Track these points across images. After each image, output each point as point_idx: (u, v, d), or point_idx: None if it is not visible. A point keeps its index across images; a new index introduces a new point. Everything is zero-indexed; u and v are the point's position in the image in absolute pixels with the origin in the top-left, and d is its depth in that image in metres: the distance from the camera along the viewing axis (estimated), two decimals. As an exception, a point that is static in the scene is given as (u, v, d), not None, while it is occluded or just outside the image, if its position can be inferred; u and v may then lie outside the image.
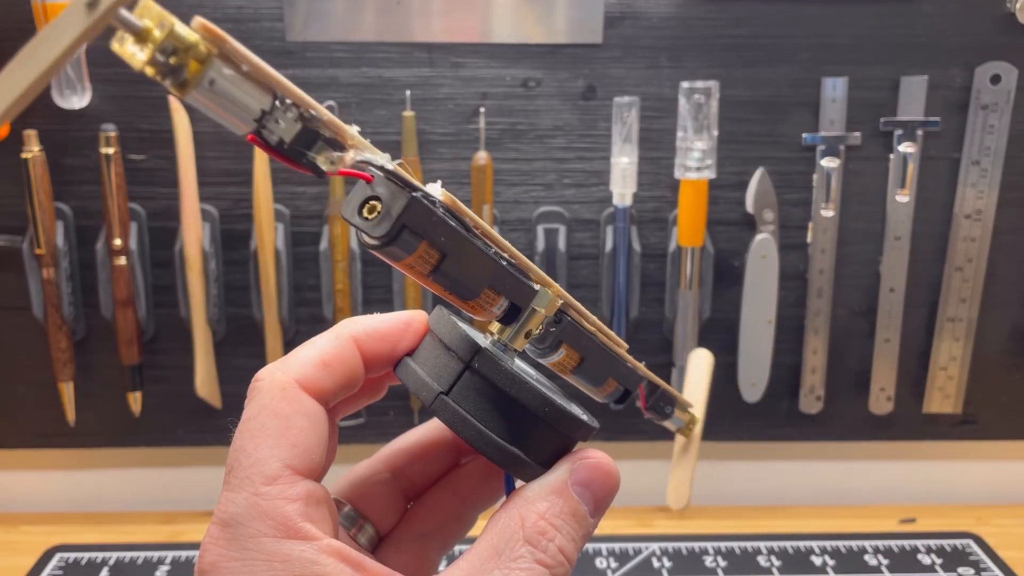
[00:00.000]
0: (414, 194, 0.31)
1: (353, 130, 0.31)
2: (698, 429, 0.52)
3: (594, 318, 0.38)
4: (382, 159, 0.31)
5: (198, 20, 0.28)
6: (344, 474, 0.40)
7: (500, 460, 0.33)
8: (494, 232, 0.34)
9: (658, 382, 0.43)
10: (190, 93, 0.28)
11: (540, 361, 0.38)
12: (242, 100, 0.28)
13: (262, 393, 0.33)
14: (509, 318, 0.35)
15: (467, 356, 0.34)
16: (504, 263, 0.34)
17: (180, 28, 0.27)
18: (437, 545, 0.40)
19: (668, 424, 0.48)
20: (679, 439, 0.52)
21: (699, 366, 0.62)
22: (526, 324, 0.35)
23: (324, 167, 0.30)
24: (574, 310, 0.37)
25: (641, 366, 0.41)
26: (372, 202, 0.31)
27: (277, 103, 0.29)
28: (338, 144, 0.30)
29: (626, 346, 0.40)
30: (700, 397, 0.59)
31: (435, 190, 0.32)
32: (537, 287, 0.35)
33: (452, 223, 0.32)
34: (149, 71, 0.27)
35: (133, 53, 0.27)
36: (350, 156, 0.30)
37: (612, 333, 0.39)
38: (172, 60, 0.27)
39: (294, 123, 0.29)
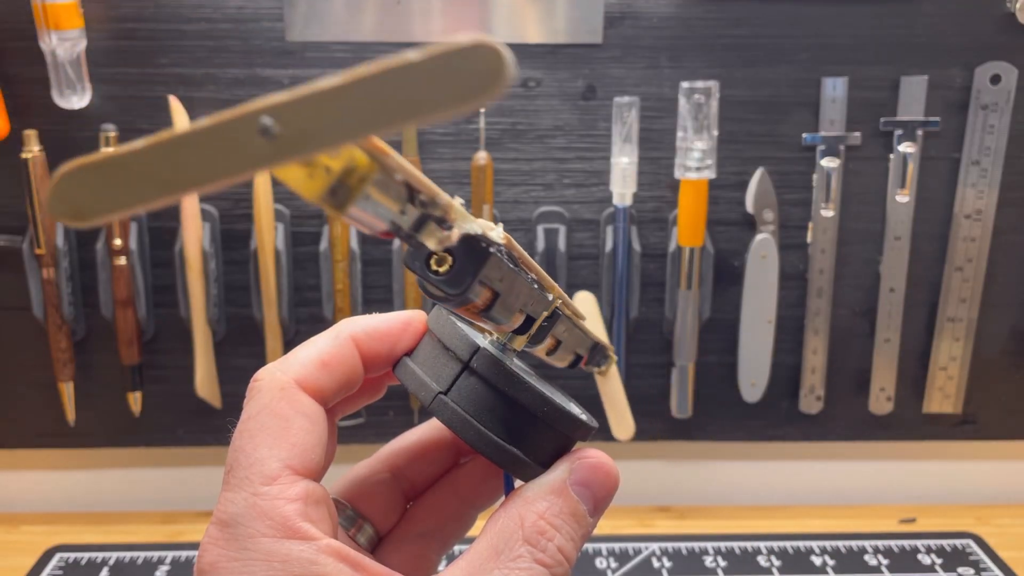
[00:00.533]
0: (491, 250, 0.30)
1: (457, 203, 0.30)
2: (614, 367, 0.53)
3: (568, 300, 0.38)
4: (480, 227, 0.30)
5: (371, 140, 0.25)
6: (344, 474, 0.40)
7: (499, 460, 0.34)
8: (529, 258, 0.34)
9: (597, 339, 0.44)
10: (348, 211, 0.25)
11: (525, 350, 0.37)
12: (387, 204, 0.27)
13: (261, 393, 0.33)
14: (523, 329, 0.35)
15: (466, 356, 0.34)
16: (536, 287, 0.34)
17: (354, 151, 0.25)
18: (436, 545, 0.40)
19: (593, 368, 0.47)
20: (600, 379, 0.52)
21: (589, 309, 0.67)
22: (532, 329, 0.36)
23: (432, 247, 0.29)
24: (563, 302, 0.37)
25: (586, 327, 0.41)
26: (442, 253, 0.30)
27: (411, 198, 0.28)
28: (442, 220, 0.29)
29: (584, 316, 0.40)
30: (603, 335, 0.61)
31: (497, 235, 0.31)
32: (550, 296, 0.35)
33: (512, 268, 0.32)
34: (315, 200, 0.25)
35: (301, 179, 0.24)
36: (456, 233, 0.29)
37: (576, 306, 0.39)
38: (338, 183, 0.25)
39: (415, 211, 0.28)
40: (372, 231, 0.27)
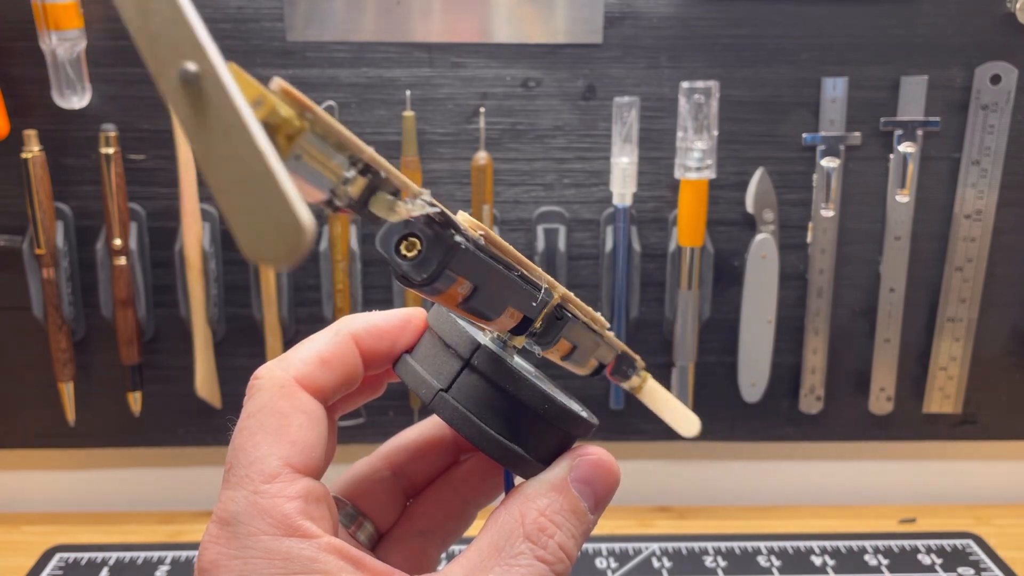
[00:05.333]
0: (456, 237, 0.30)
1: (414, 185, 0.30)
2: (652, 380, 0.51)
3: (585, 307, 0.38)
4: (429, 201, 0.30)
5: (285, 88, 0.25)
6: (344, 472, 0.40)
7: (500, 457, 0.34)
8: (514, 250, 0.34)
9: (624, 349, 0.43)
10: None
11: (533, 350, 0.37)
12: (322, 171, 0.26)
13: (261, 391, 0.33)
14: (522, 328, 0.35)
15: (467, 353, 0.34)
16: (525, 284, 0.34)
17: (278, 104, 0.25)
18: (437, 542, 0.40)
19: (625, 384, 0.46)
20: (643, 396, 0.51)
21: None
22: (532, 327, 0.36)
23: (383, 215, 0.29)
24: (572, 304, 0.37)
25: (612, 336, 0.41)
26: (411, 239, 0.30)
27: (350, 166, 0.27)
28: (391, 188, 0.29)
29: (607, 325, 0.40)
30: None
31: (464, 219, 0.31)
32: (542, 294, 0.35)
33: (487, 258, 0.32)
34: None
35: None
36: (416, 208, 0.29)
37: (596, 315, 0.39)
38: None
39: (361, 180, 0.28)
40: (312, 201, 0.27)
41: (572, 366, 0.40)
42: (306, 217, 0.22)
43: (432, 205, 0.30)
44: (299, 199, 0.22)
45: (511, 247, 0.34)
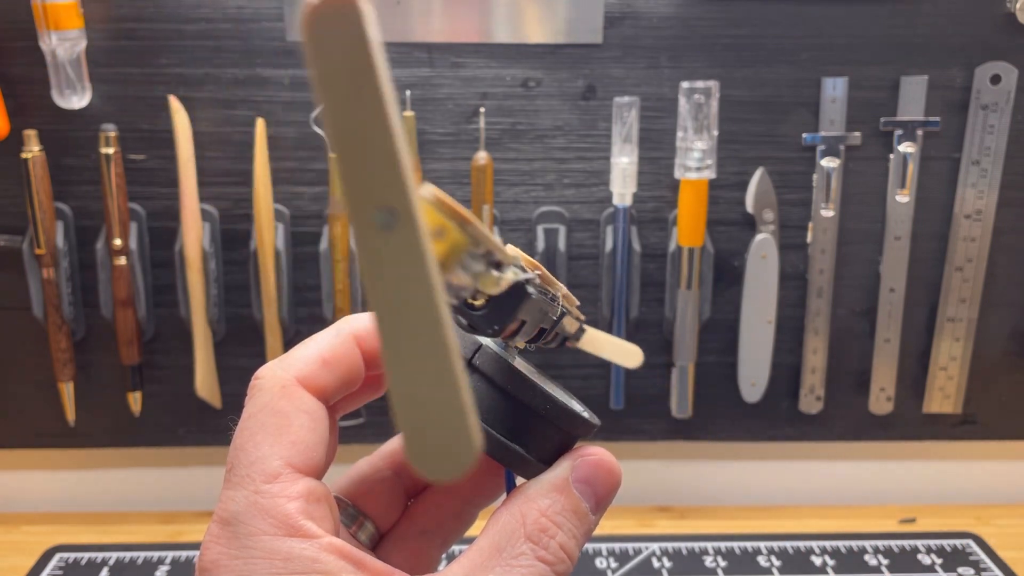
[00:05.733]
0: (529, 288, 0.30)
1: (510, 249, 0.30)
2: (590, 330, 0.51)
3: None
4: (522, 267, 0.30)
5: (440, 198, 0.25)
6: (345, 471, 0.40)
7: (501, 457, 0.34)
8: (551, 277, 0.34)
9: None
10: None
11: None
12: (473, 273, 0.27)
13: (262, 391, 0.33)
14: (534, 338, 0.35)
15: (468, 353, 0.34)
16: (558, 305, 0.34)
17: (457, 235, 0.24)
18: (438, 542, 0.40)
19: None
20: (593, 340, 0.51)
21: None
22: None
23: (492, 290, 0.29)
24: (568, 301, 0.37)
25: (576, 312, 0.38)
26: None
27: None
28: (498, 264, 0.29)
29: (576, 302, 0.38)
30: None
31: (520, 256, 0.31)
32: (561, 306, 0.35)
33: (543, 298, 0.32)
34: None
35: None
36: (508, 279, 0.29)
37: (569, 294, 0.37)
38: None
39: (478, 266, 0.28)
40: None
41: (517, 341, 0.40)
42: (477, 439, 0.22)
43: (524, 270, 0.30)
44: (474, 414, 0.22)
45: (548, 273, 0.34)
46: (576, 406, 0.35)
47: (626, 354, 0.52)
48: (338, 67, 0.21)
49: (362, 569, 0.31)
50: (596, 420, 0.36)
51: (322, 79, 0.21)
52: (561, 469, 0.34)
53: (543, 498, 0.33)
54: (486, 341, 0.34)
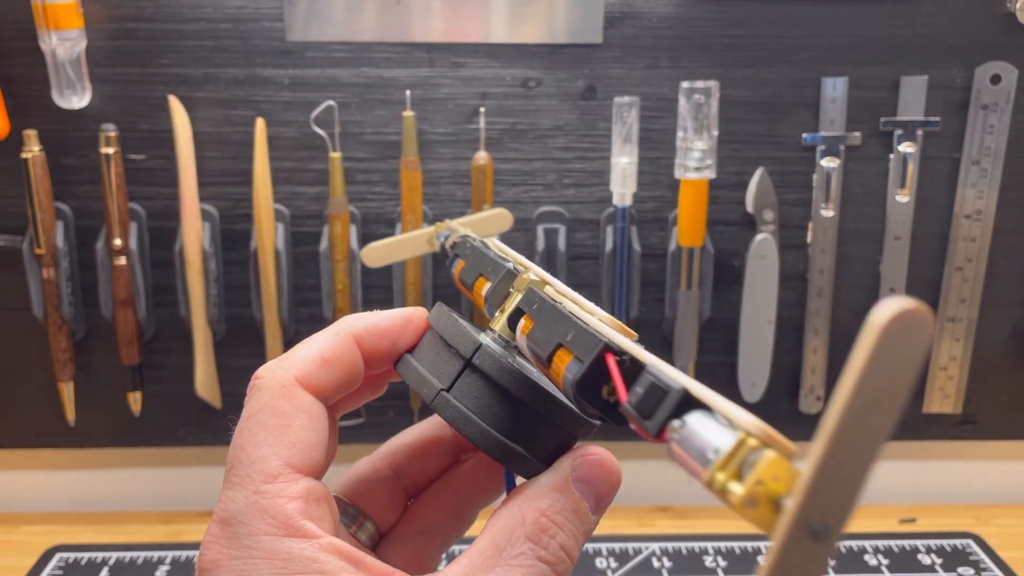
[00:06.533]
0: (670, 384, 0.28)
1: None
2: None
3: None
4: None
5: (770, 435, 0.25)
6: (345, 471, 0.40)
7: (501, 457, 0.34)
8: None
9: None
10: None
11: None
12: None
13: (262, 391, 0.33)
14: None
15: (468, 353, 0.34)
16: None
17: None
18: (438, 542, 0.40)
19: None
20: (474, 225, 0.54)
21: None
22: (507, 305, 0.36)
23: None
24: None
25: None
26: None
27: None
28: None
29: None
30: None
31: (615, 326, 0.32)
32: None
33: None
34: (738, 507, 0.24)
35: (730, 488, 0.24)
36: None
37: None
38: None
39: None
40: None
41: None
42: None
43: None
44: None
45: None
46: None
47: (496, 220, 0.55)
48: (883, 376, 0.21)
49: (362, 569, 0.31)
50: (596, 419, 0.36)
51: (863, 381, 0.21)
52: (561, 469, 0.34)
53: (543, 498, 0.33)
54: (486, 340, 0.34)
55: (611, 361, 0.30)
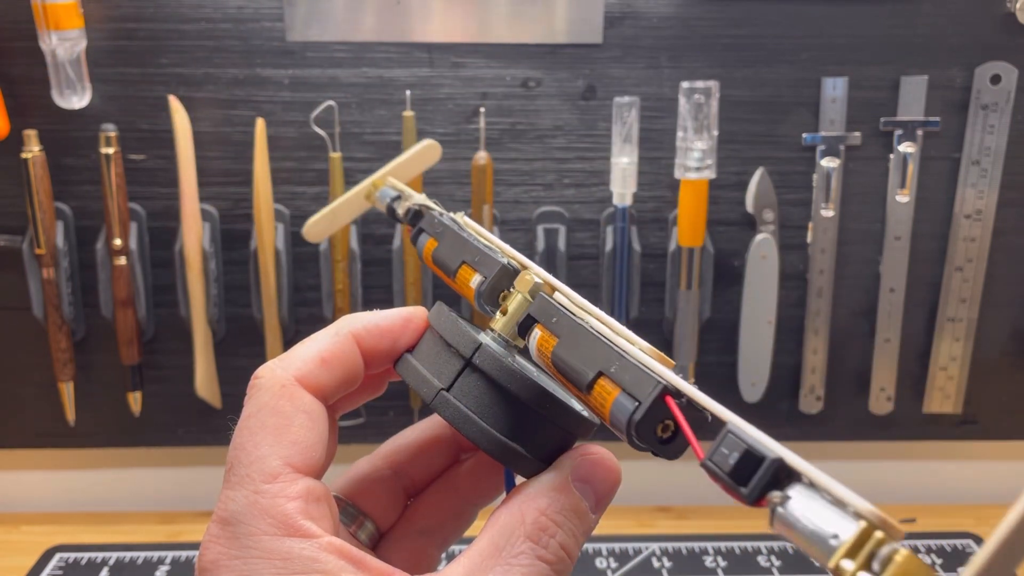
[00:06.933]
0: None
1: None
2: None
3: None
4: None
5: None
6: (344, 471, 0.40)
7: (501, 456, 0.33)
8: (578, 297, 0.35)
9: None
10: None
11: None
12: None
13: (261, 391, 0.33)
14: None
15: (468, 352, 0.34)
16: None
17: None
18: (438, 542, 0.40)
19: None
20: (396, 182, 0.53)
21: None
22: (506, 305, 0.36)
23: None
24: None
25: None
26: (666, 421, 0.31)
27: None
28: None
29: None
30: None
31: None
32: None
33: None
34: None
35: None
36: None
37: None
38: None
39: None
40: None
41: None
42: None
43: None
44: None
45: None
46: (576, 405, 0.35)
47: (424, 153, 0.55)
48: None
49: (361, 568, 0.31)
50: (596, 419, 0.36)
51: None
52: (561, 468, 0.34)
53: (543, 497, 0.33)
54: (486, 340, 0.34)
55: (674, 406, 0.30)
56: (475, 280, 0.39)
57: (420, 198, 0.49)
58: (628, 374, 0.31)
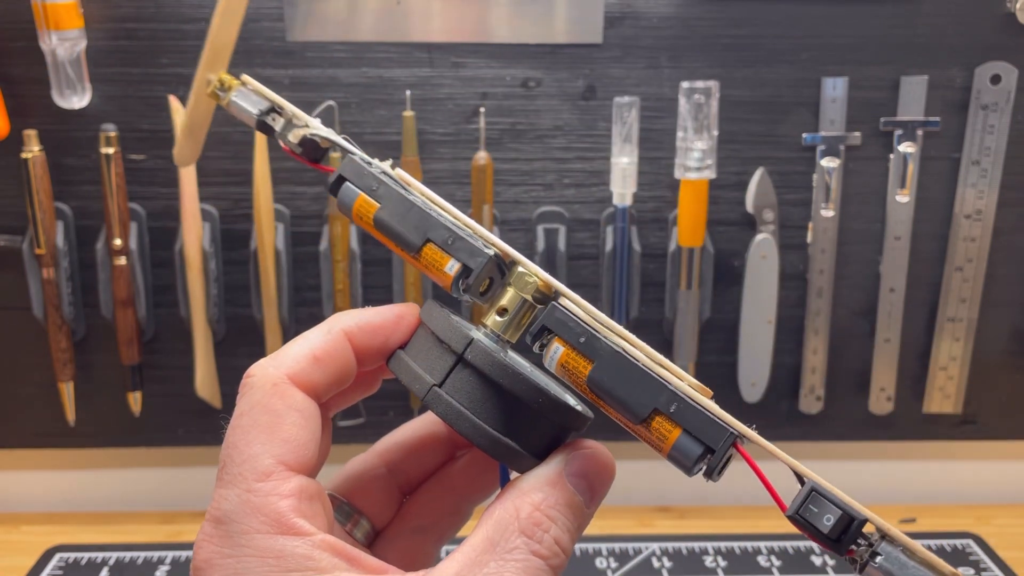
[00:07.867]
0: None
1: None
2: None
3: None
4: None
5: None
6: (339, 469, 0.40)
7: (494, 452, 0.33)
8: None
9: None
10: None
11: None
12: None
13: (253, 389, 0.33)
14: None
15: (460, 348, 0.34)
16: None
17: None
18: (433, 539, 0.40)
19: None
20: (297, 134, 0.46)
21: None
22: (498, 300, 0.36)
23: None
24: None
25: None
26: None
27: None
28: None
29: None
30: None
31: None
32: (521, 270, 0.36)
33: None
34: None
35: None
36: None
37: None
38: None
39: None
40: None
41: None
42: None
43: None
44: None
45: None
46: (570, 399, 0.35)
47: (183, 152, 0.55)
48: None
49: (356, 566, 0.31)
50: (590, 413, 0.36)
51: None
52: (555, 463, 0.34)
53: (537, 492, 0.33)
54: (478, 335, 0.34)
55: (747, 455, 0.34)
56: (451, 266, 0.36)
57: (323, 130, 0.40)
58: (694, 420, 0.34)
